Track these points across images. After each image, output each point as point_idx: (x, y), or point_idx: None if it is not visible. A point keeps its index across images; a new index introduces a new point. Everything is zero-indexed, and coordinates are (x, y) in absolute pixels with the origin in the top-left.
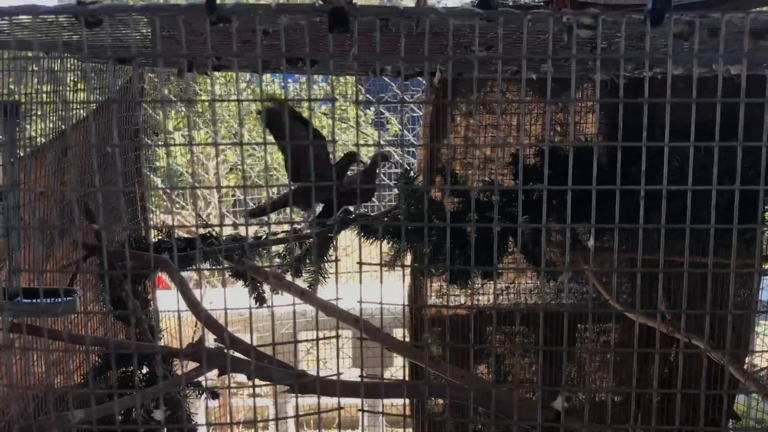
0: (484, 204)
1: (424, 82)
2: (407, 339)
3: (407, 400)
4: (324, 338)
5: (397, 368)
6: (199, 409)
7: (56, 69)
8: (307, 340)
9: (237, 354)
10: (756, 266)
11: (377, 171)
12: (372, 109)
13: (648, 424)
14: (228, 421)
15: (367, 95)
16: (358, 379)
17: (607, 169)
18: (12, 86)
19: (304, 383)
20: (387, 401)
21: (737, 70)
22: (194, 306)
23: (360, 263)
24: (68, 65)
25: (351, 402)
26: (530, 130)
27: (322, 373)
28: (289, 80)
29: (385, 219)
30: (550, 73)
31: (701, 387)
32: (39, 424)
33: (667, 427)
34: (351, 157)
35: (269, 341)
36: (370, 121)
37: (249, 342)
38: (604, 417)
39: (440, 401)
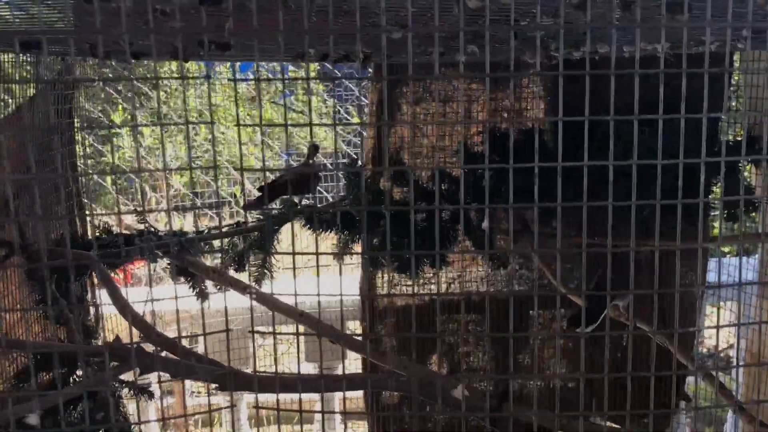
0: (432, 192)
1: (369, 70)
2: (359, 331)
3: (362, 396)
4: (257, 331)
5: (350, 361)
6: (148, 410)
7: None
8: (260, 332)
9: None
10: (699, 242)
11: (311, 162)
12: (330, 101)
13: (601, 409)
14: (183, 421)
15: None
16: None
17: (554, 154)
18: None
19: (240, 380)
20: (344, 395)
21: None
22: (120, 304)
23: (293, 255)
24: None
25: (312, 397)
26: (477, 117)
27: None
28: (248, 72)
29: (331, 211)
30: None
31: (651, 370)
32: None
33: (618, 412)
34: (314, 149)
35: (220, 339)
36: (328, 113)
37: (180, 341)
38: (558, 404)
39: (396, 393)
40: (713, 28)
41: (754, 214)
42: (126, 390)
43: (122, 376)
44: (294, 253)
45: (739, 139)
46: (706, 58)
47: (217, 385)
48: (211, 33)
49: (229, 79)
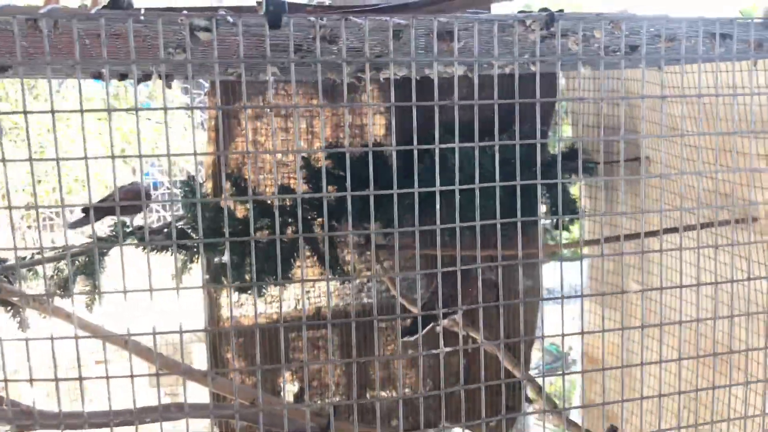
0: (278, 208)
1: (206, 84)
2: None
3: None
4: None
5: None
6: None
7: None
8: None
9: None
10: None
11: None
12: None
13: (455, 414)
14: None
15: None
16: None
17: (397, 167)
18: None
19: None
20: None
21: (461, 70)
22: None
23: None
24: None
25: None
26: (320, 134)
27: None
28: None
29: (165, 231)
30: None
31: (500, 377)
32: None
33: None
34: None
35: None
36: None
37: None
38: (410, 412)
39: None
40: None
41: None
42: None
43: None
44: (125, 291)
45: (563, 151)
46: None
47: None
48: None
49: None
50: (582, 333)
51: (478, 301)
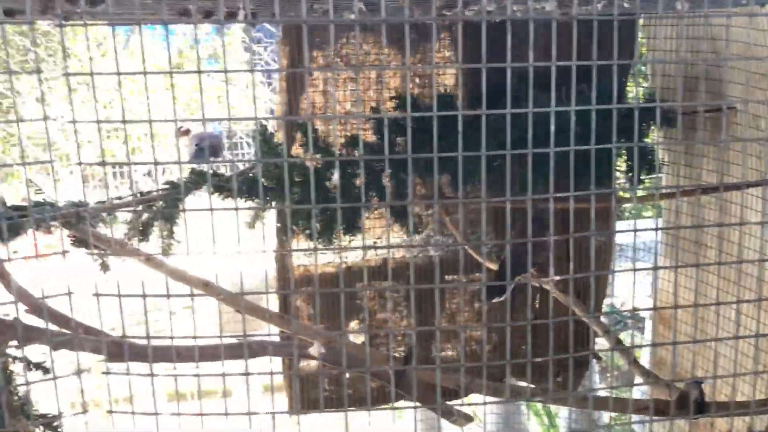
0: (346, 158)
1: (276, 31)
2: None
3: (281, 362)
4: (100, 294)
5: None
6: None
7: None
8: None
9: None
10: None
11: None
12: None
13: (520, 370)
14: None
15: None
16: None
17: (468, 119)
18: None
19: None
20: (263, 367)
21: (551, 6)
22: (4, 279)
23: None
24: None
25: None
26: (389, 84)
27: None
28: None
29: (240, 179)
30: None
31: (568, 335)
32: None
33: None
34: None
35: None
36: (251, 82)
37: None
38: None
39: (314, 363)
40: None
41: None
42: (19, 364)
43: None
44: (212, 209)
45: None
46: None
47: (108, 356)
48: None
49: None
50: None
51: (552, 256)
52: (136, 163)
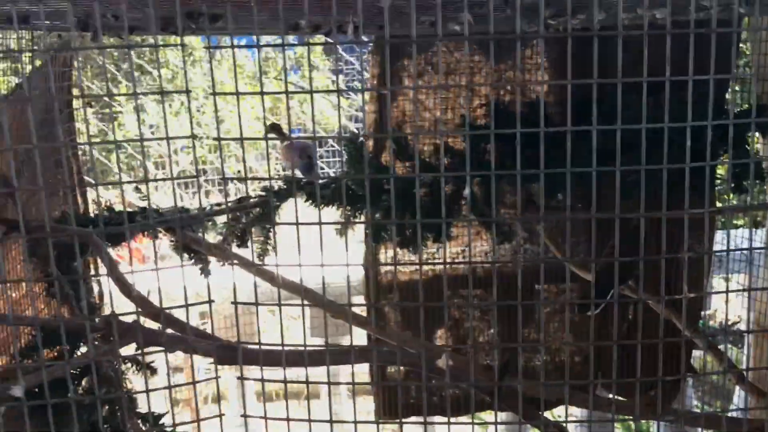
0: (435, 167)
1: (370, 44)
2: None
3: (368, 369)
4: (240, 302)
5: (354, 338)
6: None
7: None
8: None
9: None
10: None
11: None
12: (333, 77)
13: (607, 383)
14: (192, 398)
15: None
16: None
17: (557, 126)
18: None
19: (227, 354)
20: (350, 370)
21: (662, 14)
22: (119, 281)
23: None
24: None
25: (317, 372)
26: (480, 91)
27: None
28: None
29: (332, 186)
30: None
31: (660, 347)
32: None
33: (626, 379)
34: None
35: (224, 315)
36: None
37: (185, 319)
38: (562, 378)
39: (402, 368)
40: None
41: (759, 185)
42: (129, 365)
43: (125, 352)
44: (297, 224)
45: (747, 107)
46: (713, 22)
47: (219, 359)
48: (206, 2)
49: (224, 47)
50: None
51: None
52: (252, 178)
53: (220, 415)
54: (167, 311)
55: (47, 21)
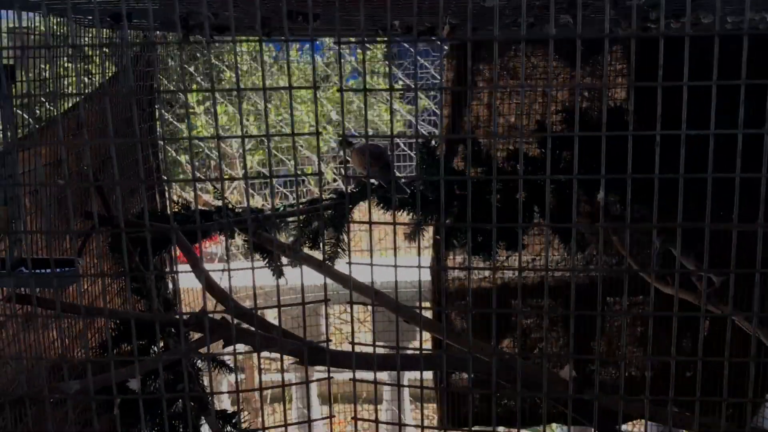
0: (508, 173)
1: (446, 47)
2: (429, 312)
3: (431, 375)
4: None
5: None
6: (222, 383)
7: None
8: (318, 301)
9: (245, 325)
10: None
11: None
12: (400, 82)
13: (682, 401)
14: (256, 396)
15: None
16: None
17: (639, 137)
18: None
19: (315, 355)
20: (413, 377)
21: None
22: (202, 274)
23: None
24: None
25: (379, 376)
26: (557, 96)
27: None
28: (318, 54)
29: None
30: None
31: (746, 356)
32: (31, 395)
33: (707, 397)
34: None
35: (291, 316)
36: (398, 96)
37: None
38: (635, 392)
39: (465, 376)
40: None
41: None
42: (203, 362)
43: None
44: (370, 222)
45: None
46: None
47: (295, 359)
48: (295, 3)
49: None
50: None
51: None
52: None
53: (330, 417)
54: (257, 310)
55: (136, 20)
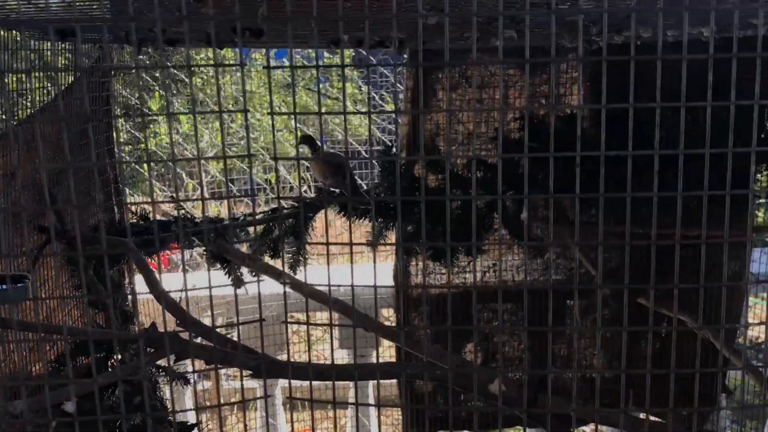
0: (467, 179)
1: (404, 56)
2: (393, 318)
3: (396, 382)
4: (291, 322)
5: (384, 348)
6: (184, 395)
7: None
8: (294, 322)
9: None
10: (747, 234)
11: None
12: (365, 88)
13: (640, 400)
14: (217, 404)
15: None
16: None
17: (593, 141)
18: None
19: (274, 369)
20: (377, 383)
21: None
22: (156, 290)
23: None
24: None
25: (346, 384)
26: (514, 103)
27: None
28: (283, 59)
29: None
30: (504, 38)
31: (695, 364)
32: None
33: (658, 408)
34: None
35: (252, 325)
36: (363, 100)
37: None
38: (593, 395)
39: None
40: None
41: None
42: (162, 376)
43: (159, 362)
44: (327, 243)
45: None
46: (759, 42)
47: (251, 372)
48: (245, 19)
49: (263, 66)
50: None
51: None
52: (293, 199)
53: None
54: (215, 328)
55: (86, 34)
